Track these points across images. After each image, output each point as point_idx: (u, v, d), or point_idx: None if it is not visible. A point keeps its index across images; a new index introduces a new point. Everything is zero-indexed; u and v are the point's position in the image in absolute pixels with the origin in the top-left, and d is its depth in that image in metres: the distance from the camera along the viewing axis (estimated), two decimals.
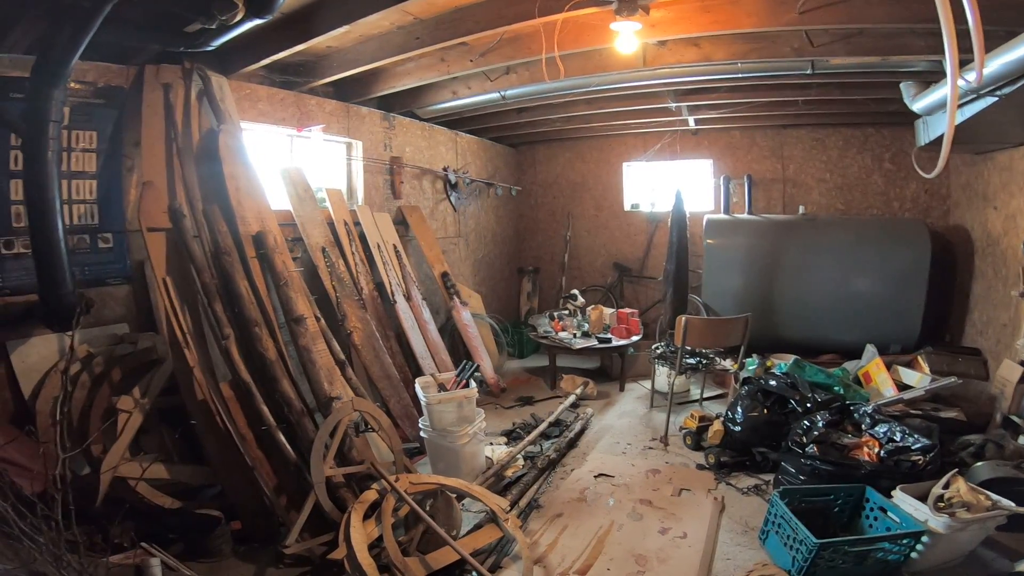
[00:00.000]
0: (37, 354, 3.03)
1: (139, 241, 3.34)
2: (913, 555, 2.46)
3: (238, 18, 2.83)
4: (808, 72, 4.04)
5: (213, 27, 2.97)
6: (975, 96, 3.20)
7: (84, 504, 2.43)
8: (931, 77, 3.91)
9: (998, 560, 2.60)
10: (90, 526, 2.47)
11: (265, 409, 3.05)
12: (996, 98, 3.07)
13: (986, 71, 2.76)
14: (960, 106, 3.45)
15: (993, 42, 2.75)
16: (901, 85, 4.15)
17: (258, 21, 2.90)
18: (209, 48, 3.33)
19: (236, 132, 3.75)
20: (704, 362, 4.71)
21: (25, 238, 2.99)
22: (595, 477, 3.64)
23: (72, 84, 3.03)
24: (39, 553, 1.91)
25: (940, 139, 2.68)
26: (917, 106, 4.05)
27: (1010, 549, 2.64)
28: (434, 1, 3.27)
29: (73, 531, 2.05)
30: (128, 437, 2.95)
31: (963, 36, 1.85)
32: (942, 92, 3.65)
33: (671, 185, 7.32)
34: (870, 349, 4.77)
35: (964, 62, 2.62)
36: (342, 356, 3.66)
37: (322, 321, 3.70)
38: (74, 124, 3.23)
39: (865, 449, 3.13)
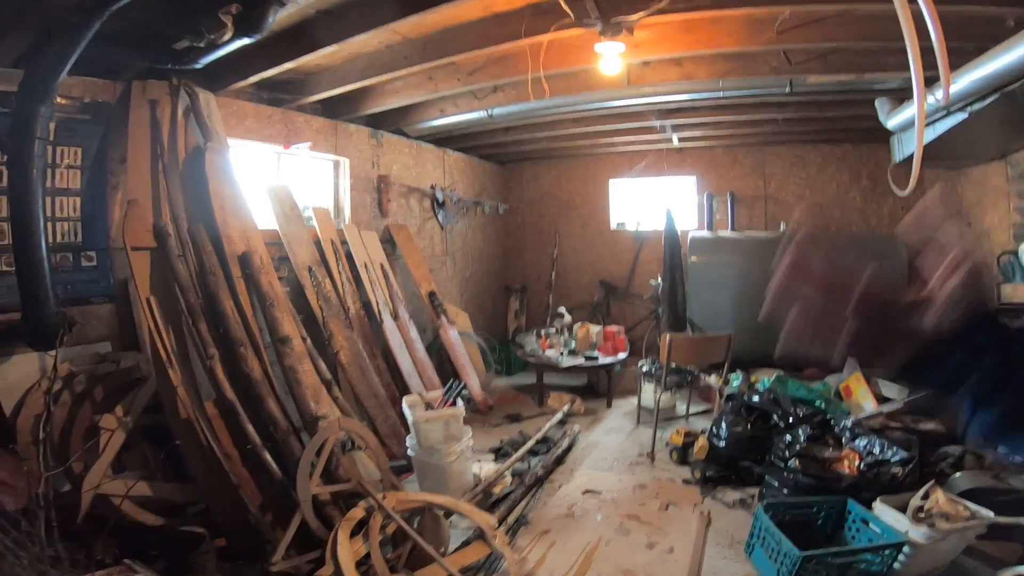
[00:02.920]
0: (18, 372, 2.99)
1: (123, 259, 3.32)
2: (896, 565, 2.48)
3: (227, 37, 2.84)
4: (787, 90, 4.15)
5: (202, 45, 2.98)
6: (946, 113, 3.30)
7: (66, 521, 2.40)
8: (904, 94, 4.02)
9: (980, 569, 2.63)
10: (72, 543, 2.43)
11: (250, 428, 3.02)
12: (966, 115, 3.17)
13: (955, 88, 2.85)
14: (931, 123, 3.56)
15: (964, 58, 2.85)
16: (876, 102, 4.26)
17: (247, 40, 2.91)
18: (197, 66, 3.34)
19: (223, 149, 3.76)
20: (689, 379, 4.75)
21: (7, 256, 2.97)
22: (583, 493, 3.64)
23: (58, 99, 3.02)
24: (22, 569, 1.89)
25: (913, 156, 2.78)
26: (891, 123, 4.16)
27: (992, 557, 2.67)
28: (423, 21, 3.32)
29: (56, 547, 2.03)
30: (110, 455, 2.91)
31: (930, 54, 1.91)
32: (913, 110, 3.76)
33: (657, 203, 7.43)
34: (850, 363, 4.83)
35: (933, 79, 2.71)
36: (328, 375, 3.65)
37: (308, 341, 3.68)
38: (59, 140, 3.22)
39: (846, 462, 3.16)
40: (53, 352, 2.89)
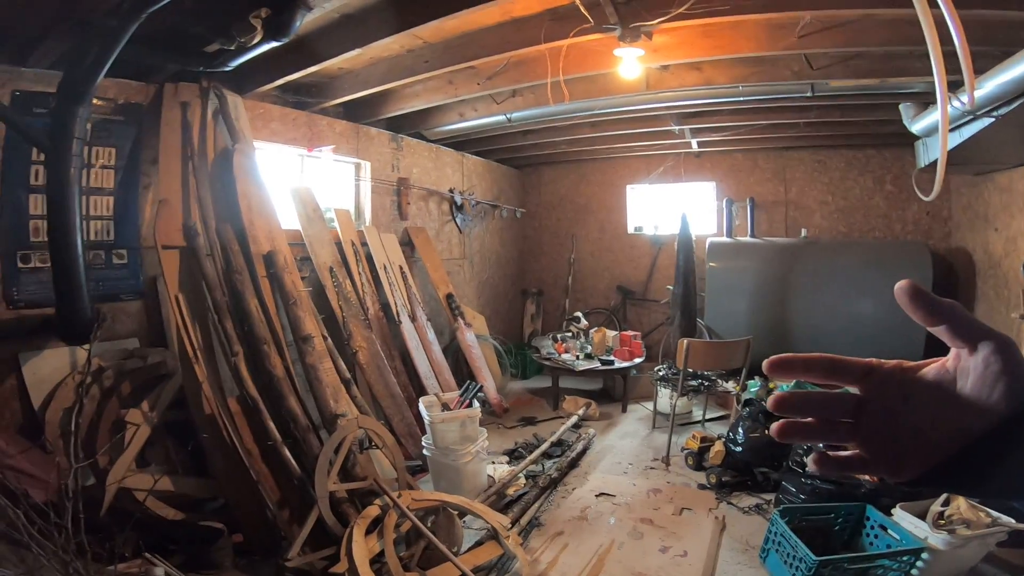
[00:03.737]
0: (48, 366, 3.08)
1: (152, 258, 3.42)
2: (914, 572, 2.45)
3: (256, 40, 2.90)
4: (808, 94, 4.11)
5: (232, 48, 3.04)
6: (971, 117, 3.25)
7: (88, 514, 2.46)
8: (929, 98, 3.96)
9: None
10: (93, 536, 2.49)
11: (271, 425, 3.08)
12: (993, 119, 3.12)
13: (981, 92, 2.81)
14: (957, 127, 3.50)
15: (989, 62, 2.82)
16: (900, 107, 4.21)
17: (275, 43, 2.97)
18: (227, 68, 3.40)
19: (250, 151, 3.85)
20: (706, 384, 4.72)
21: (41, 252, 3.06)
22: (596, 496, 3.64)
23: (94, 100, 3.08)
24: (47, 559, 1.94)
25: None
26: (916, 128, 4.10)
27: (1012, 565, 2.63)
28: (443, 26, 3.36)
29: (82, 538, 2.08)
30: (135, 449, 2.98)
31: (954, 58, 1.90)
32: (938, 115, 3.70)
33: (675, 208, 7.40)
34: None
35: (958, 84, 2.69)
36: (347, 374, 3.70)
37: (329, 340, 3.74)
38: (95, 140, 3.30)
39: None
40: (85, 347, 2.97)
